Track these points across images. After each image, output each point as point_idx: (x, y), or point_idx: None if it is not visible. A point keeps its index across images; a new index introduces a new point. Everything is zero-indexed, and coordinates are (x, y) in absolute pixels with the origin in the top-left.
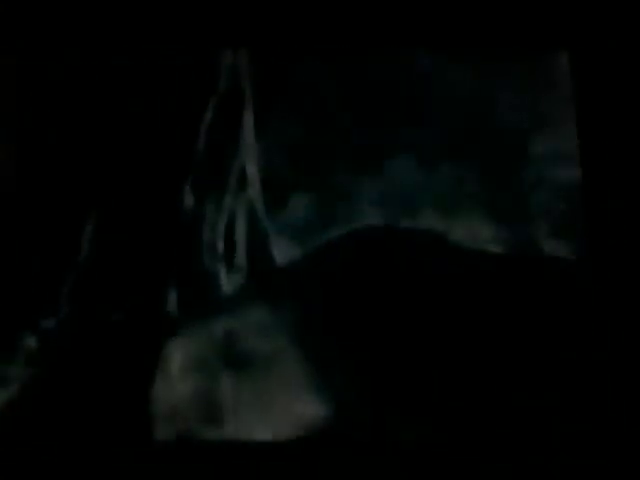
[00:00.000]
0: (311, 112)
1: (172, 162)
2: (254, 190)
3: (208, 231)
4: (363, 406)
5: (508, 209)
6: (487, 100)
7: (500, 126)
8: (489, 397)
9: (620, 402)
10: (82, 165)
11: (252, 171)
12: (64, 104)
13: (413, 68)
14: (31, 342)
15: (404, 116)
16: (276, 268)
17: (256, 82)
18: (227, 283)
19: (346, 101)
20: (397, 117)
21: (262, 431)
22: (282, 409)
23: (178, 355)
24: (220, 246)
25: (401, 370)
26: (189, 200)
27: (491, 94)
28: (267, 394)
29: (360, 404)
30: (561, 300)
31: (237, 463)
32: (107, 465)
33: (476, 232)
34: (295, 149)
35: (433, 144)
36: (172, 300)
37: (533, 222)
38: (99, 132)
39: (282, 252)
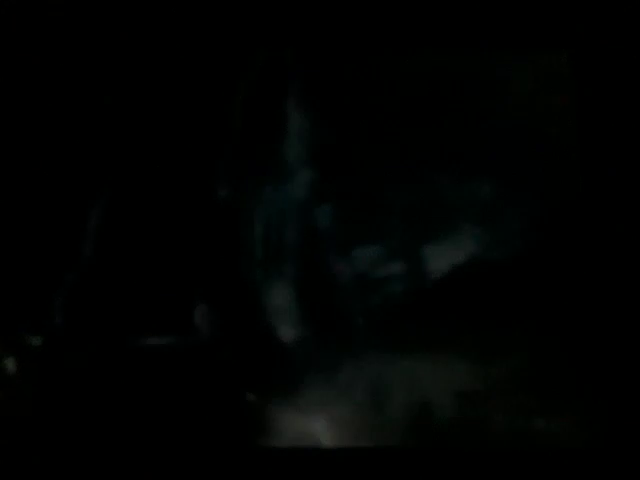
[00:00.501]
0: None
1: (201, 144)
2: (300, 181)
3: (246, 229)
4: None
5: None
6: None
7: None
8: None
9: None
10: (89, 146)
11: (297, 157)
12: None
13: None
14: (8, 363)
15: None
16: (335, 281)
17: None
18: (271, 296)
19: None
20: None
21: None
22: None
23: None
24: (261, 249)
25: None
26: (222, 190)
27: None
28: None
29: None
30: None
31: None
32: None
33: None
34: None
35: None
36: (200, 316)
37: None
38: (113, 109)
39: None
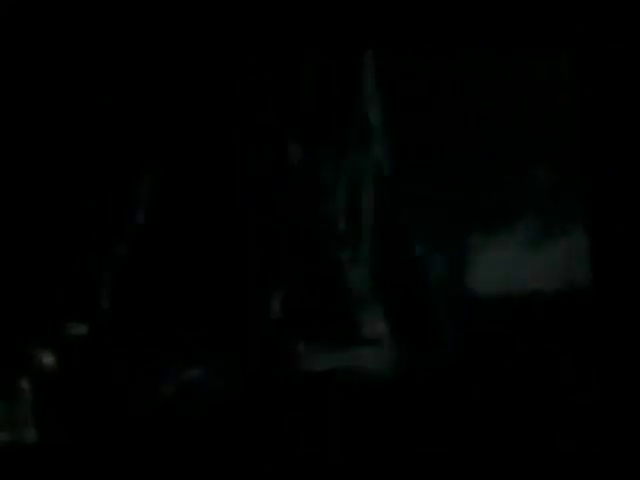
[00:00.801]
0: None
1: (270, 102)
2: (380, 148)
3: (325, 199)
4: None
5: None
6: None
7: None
8: None
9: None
10: (141, 107)
11: (376, 122)
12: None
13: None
14: (44, 357)
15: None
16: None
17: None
18: (355, 280)
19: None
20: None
21: None
22: None
23: None
24: (342, 223)
25: None
26: (295, 154)
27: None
28: None
29: None
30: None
31: None
32: None
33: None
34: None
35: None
36: (276, 304)
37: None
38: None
39: None
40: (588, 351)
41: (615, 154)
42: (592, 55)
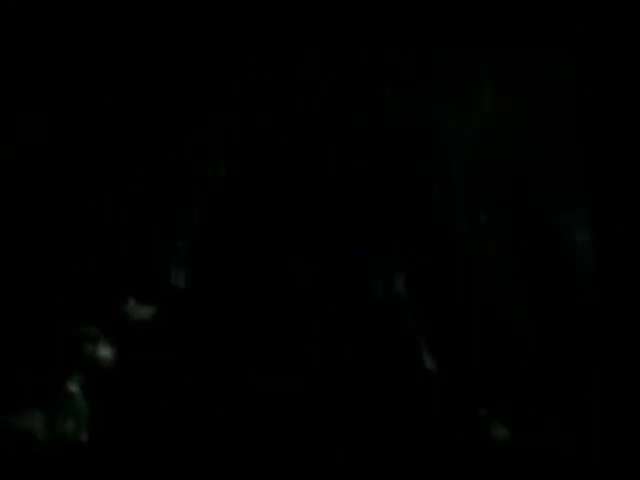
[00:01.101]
0: None
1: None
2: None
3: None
4: None
5: None
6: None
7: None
8: None
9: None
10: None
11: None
12: None
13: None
14: (102, 350)
15: None
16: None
17: None
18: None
19: None
20: None
21: None
22: None
23: None
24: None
25: None
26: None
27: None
28: None
29: None
30: None
31: None
32: None
33: None
34: None
35: None
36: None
37: None
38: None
39: None
40: (588, 350)
41: (617, 155)
42: (596, 57)
